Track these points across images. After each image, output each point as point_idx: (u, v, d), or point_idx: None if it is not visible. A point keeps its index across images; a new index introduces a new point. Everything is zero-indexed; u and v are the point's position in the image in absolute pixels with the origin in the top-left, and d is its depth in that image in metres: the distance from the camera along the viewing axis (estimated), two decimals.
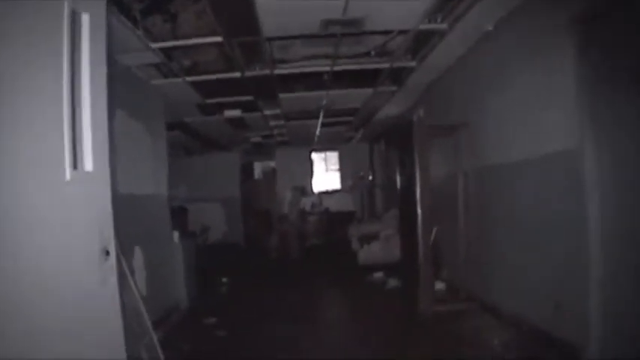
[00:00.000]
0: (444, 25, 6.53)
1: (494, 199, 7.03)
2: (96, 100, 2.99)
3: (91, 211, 2.95)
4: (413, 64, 8.22)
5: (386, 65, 8.25)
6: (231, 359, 6.19)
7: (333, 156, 19.51)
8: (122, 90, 6.77)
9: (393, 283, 9.88)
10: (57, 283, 2.56)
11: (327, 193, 19.17)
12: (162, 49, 6.79)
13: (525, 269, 6.09)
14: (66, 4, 2.72)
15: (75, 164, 2.73)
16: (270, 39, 6.82)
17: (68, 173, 2.64)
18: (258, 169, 20.29)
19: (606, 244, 4.62)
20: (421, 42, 7.35)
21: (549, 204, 5.47)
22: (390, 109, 12.13)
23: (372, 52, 7.80)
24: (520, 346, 5.68)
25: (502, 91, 6.54)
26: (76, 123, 2.81)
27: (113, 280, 3.16)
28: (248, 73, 8.09)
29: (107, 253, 3.06)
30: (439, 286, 8.53)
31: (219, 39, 6.46)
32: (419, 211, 7.47)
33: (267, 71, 8.10)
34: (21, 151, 2.33)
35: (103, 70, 3.12)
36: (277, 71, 8.21)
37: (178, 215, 10.37)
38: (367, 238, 12.39)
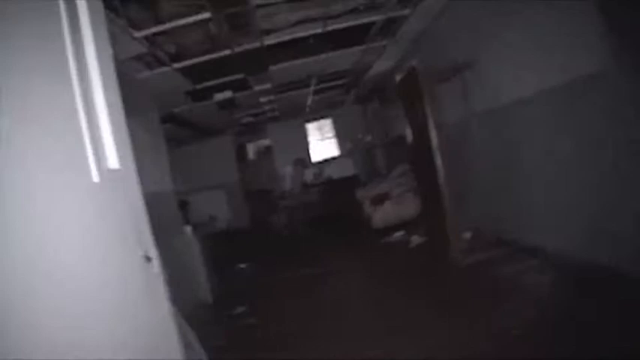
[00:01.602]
0: None
1: (516, 136, 6.72)
2: (109, 92, 2.67)
3: (124, 213, 2.65)
4: (406, 12, 7.87)
5: (378, 17, 7.90)
6: (271, 347, 5.91)
7: (327, 123, 19.16)
8: None
9: (416, 240, 9.63)
10: (102, 298, 2.25)
11: (326, 161, 18.88)
12: (146, 38, 6.44)
13: (560, 202, 5.84)
14: None
15: (99, 163, 2.43)
16: (259, 6, 6.45)
17: (95, 173, 2.33)
18: (251, 149, 20.00)
19: None
20: None
21: (579, 130, 5.19)
22: (381, 66, 11.82)
23: (362, 7, 7.47)
24: (570, 283, 5.42)
25: (511, 22, 6.18)
26: (92, 119, 2.49)
27: (161, 288, 2.88)
28: (237, 49, 7.73)
29: (148, 259, 2.76)
30: (466, 235, 8.26)
31: (207, 15, 6.11)
32: (438, 161, 7.20)
33: (256, 43, 7.74)
34: (43, 157, 2.01)
35: (109, 55, 2.81)
36: (267, 42, 7.84)
37: (181, 209, 10.09)
38: (378, 200, 12.12)
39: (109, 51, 2.89)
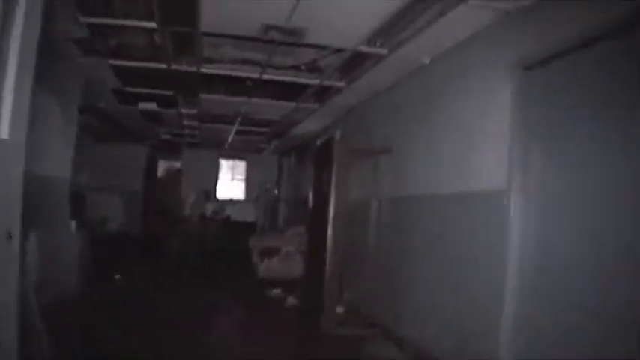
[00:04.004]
0: (384, 51, 6.46)
1: (409, 229, 7.00)
2: (24, 61, 2.69)
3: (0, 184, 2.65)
4: (341, 84, 8.15)
5: (315, 81, 8.14)
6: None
7: (241, 165, 19.26)
8: (39, 61, 6.33)
9: (292, 301, 9.72)
10: None
11: (230, 201, 18.87)
12: (90, 25, 6.40)
13: (433, 302, 6.09)
14: None
15: None
16: (205, 34, 6.55)
17: None
18: (162, 167, 19.77)
19: (522, 288, 4.65)
20: (354, 63, 7.27)
21: (466, 241, 5.48)
22: (308, 126, 12.05)
23: (303, 67, 7.70)
24: None
25: (431, 124, 6.55)
26: None
27: (14, 269, 2.86)
28: (174, 66, 7.77)
29: (10, 236, 2.75)
30: (339, 309, 8.43)
31: (153, 24, 6.15)
32: (330, 231, 7.39)
33: (193, 68, 7.81)
34: None
35: (37, 28, 2.83)
36: (204, 70, 7.93)
37: (76, 201, 9.86)
38: (268, 253, 12.19)
39: (39, 14, 2.89)
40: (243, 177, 19.29)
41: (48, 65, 6.75)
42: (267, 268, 11.90)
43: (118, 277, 10.90)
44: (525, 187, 4.70)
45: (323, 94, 9.00)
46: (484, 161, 5.28)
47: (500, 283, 4.79)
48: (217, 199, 18.67)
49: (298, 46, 6.86)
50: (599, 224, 3.84)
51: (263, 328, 8.14)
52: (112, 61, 7.80)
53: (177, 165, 18.89)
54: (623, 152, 3.68)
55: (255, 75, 8.04)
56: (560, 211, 4.30)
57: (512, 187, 4.77)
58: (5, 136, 2.60)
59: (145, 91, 9.75)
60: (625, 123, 3.70)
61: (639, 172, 3.55)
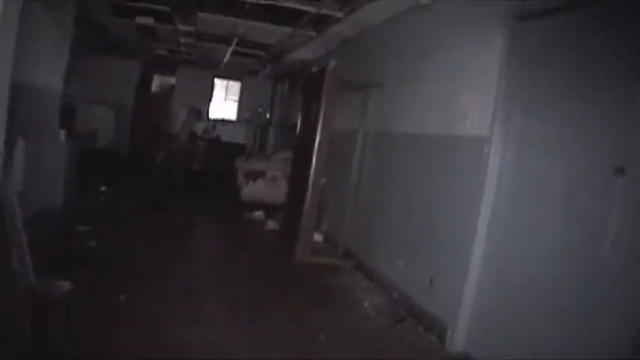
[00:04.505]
0: None
1: (391, 165, 7.11)
2: None
3: None
4: (340, 14, 8.09)
5: (312, 9, 8.08)
6: (100, 271, 5.99)
7: (236, 86, 19.18)
8: None
9: (271, 225, 9.92)
10: None
11: (222, 121, 18.89)
12: None
13: (407, 239, 6.26)
14: None
15: None
16: None
17: None
18: (156, 82, 19.64)
19: (493, 231, 4.80)
20: None
21: (445, 181, 5.61)
22: (303, 53, 12.00)
23: None
24: (390, 312, 5.85)
25: (423, 64, 6.57)
26: None
27: None
28: None
29: None
30: (317, 237, 8.62)
31: None
32: (314, 160, 7.49)
33: None
34: None
35: None
36: None
37: (66, 113, 9.86)
38: (253, 175, 12.33)
39: None
40: (236, 98, 19.24)
41: None
42: (250, 190, 12.08)
43: (103, 189, 11.02)
44: (507, 138, 4.80)
45: (320, 22, 8.94)
46: (470, 108, 5.34)
47: (473, 227, 4.95)
48: (209, 119, 18.65)
49: None
50: (574, 186, 3.94)
51: (237, 250, 8.41)
52: None
53: (172, 81, 18.77)
54: (604, 113, 3.76)
55: None
56: (538, 164, 4.40)
57: (493, 135, 4.86)
58: None
59: (141, 5, 9.63)
60: (608, 87, 3.76)
61: (617, 134, 3.64)
